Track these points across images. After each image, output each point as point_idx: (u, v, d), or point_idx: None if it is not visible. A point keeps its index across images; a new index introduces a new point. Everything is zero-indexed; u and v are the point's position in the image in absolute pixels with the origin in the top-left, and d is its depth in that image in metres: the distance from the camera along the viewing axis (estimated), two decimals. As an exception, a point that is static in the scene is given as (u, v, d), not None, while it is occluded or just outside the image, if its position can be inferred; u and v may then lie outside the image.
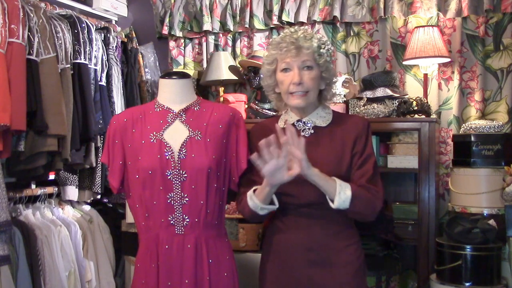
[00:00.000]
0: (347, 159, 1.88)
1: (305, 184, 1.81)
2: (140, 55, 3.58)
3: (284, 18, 3.36)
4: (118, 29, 3.64)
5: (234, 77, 3.31)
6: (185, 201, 1.92)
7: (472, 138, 2.68)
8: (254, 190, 1.89)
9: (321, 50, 1.88)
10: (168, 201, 1.92)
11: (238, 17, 3.52)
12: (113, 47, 3.25)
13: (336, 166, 1.86)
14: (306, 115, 1.94)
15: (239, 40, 3.56)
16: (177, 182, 1.92)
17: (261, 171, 1.75)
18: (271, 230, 2.03)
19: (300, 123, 1.93)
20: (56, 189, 3.00)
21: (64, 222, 2.91)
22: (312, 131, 1.92)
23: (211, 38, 3.63)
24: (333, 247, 1.90)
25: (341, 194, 1.77)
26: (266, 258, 2.02)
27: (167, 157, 1.93)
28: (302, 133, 1.91)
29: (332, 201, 1.79)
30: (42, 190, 2.91)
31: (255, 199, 1.86)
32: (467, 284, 2.42)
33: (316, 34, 1.94)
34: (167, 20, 3.67)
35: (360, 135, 1.90)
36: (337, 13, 3.24)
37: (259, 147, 1.75)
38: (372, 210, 1.85)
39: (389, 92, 2.90)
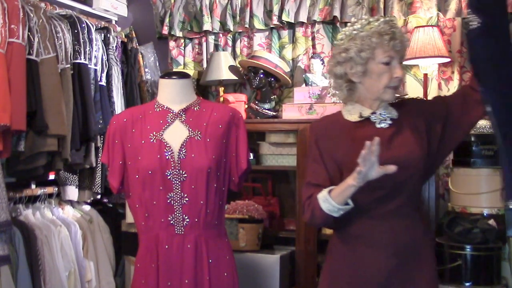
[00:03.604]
0: (425, 142, 1.83)
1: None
2: (140, 55, 3.58)
3: (284, 18, 3.36)
4: (118, 29, 3.64)
5: (234, 77, 3.31)
6: (185, 201, 1.92)
7: (472, 138, 2.67)
8: (329, 192, 1.76)
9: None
10: (168, 201, 1.92)
11: (238, 17, 3.51)
12: (113, 47, 3.25)
13: (421, 147, 1.81)
14: (378, 107, 1.85)
15: (239, 40, 3.55)
16: (177, 182, 1.92)
17: (359, 172, 1.65)
18: (341, 241, 1.89)
19: (376, 115, 1.85)
20: (56, 189, 3.00)
21: (64, 222, 2.91)
22: (390, 122, 1.84)
23: (211, 38, 3.63)
24: (422, 246, 1.84)
25: None
26: (338, 270, 1.88)
27: (167, 157, 1.93)
28: (379, 125, 1.84)
29: None
30: (42, 190, 2.91)
31: (332, 202, 1.73)
32: (467, 284, 2.41)
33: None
34: (167, 20, 3.67)
35: (428, 110, 1.88)
36: (337, 13, 3.24)
37: (327, 145, 1.79)
38: None
39: (389, 92, 2.90)
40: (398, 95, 2.90)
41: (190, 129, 1.98)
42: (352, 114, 1.88)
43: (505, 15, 1.60)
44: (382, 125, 1.84)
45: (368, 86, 1.83)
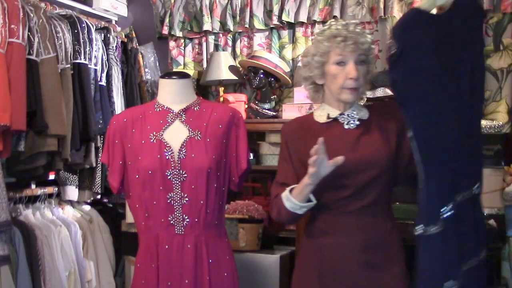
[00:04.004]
0: (393, 143, 1.87)
1: (357, 168, 1.80)
2: (140, 55, 3.57)
3: (284, 18, 3.35)
4: (118, 29, 3.64)
5: (234, 77, 3.31)
6: (185, 201, 1.93)
7: (472, 138, 2.67)
8: (290, 191, 1.83)
9: (372, 46, 1.88)
10: (168, 201, 1.93)
11: (238, 17, 3.51)
12: (113, 47, 3.24)
13: (388, 147, 1.85)
14: (348, 108, 1.90)
15: (239, 40, 3.55)
16: (177, 182, 1.92)
17: (312, 173, 1.73)
18: (310, 238, 1.95)
19: (344, 116, 1.89)
20: (56, 189, 3.00)
21: (64, 222, 2.90)
22: (358, 123, 1.88)
23: (211, 38, 3.63)
24: (389, 244, 1.87)
25: None
26: (308, 265, 1.93)
27: (167, 157, 1.93)
28: (347, 126, 1.88)
29: None
30: (42, 190, 2.90)
31: (293, 200, 1.81)
32: (467, 284, 2.41)
33: (364, 29, 1.93)
34: (167, 20, 3.67)
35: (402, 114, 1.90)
36: (337, 13, 3.23)
37: (296, 146, 1.86)
38: None
39: (389, 92, 2.89)
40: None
41: (190, 129, 1.98)
42: (321, 116, 1.93)
43: (420, 43, 1.68)
44: (350, 125, 1.88)
45: (328, 87, 1.89)
